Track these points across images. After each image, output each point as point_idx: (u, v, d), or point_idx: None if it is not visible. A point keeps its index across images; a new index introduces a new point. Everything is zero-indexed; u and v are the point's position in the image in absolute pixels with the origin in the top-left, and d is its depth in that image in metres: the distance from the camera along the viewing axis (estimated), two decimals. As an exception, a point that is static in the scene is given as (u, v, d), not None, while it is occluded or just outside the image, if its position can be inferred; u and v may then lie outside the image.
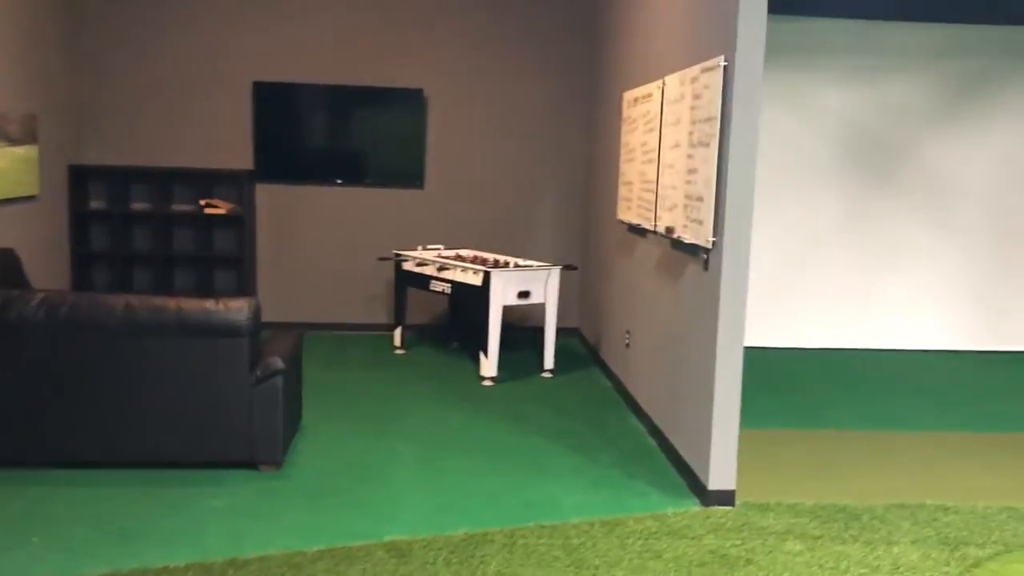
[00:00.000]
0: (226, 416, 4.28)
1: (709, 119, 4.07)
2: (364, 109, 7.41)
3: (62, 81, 6.82)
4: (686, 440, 4.46)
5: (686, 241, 4.37)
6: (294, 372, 4.70)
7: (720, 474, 4.07)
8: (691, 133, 4.36)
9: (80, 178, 7.10)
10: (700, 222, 4.16)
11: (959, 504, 4.17)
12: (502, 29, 7.48)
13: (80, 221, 7.13)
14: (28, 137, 6.20)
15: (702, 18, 4.34)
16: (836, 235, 7.52)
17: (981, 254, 7.58)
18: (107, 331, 4.15)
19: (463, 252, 7.14)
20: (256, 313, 4.28)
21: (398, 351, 7.01)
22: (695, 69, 4.32)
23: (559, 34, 7.52)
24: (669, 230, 4.67)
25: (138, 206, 7.33)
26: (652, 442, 5.03)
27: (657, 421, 5.02)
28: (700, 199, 4.17)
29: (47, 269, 6.65)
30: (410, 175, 7.54)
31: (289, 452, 4.68)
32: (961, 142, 7.45)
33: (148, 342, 4.18)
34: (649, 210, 5.13)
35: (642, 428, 5.28)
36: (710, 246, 4.04)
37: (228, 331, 4.21)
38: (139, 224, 7.39)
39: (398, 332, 6.99)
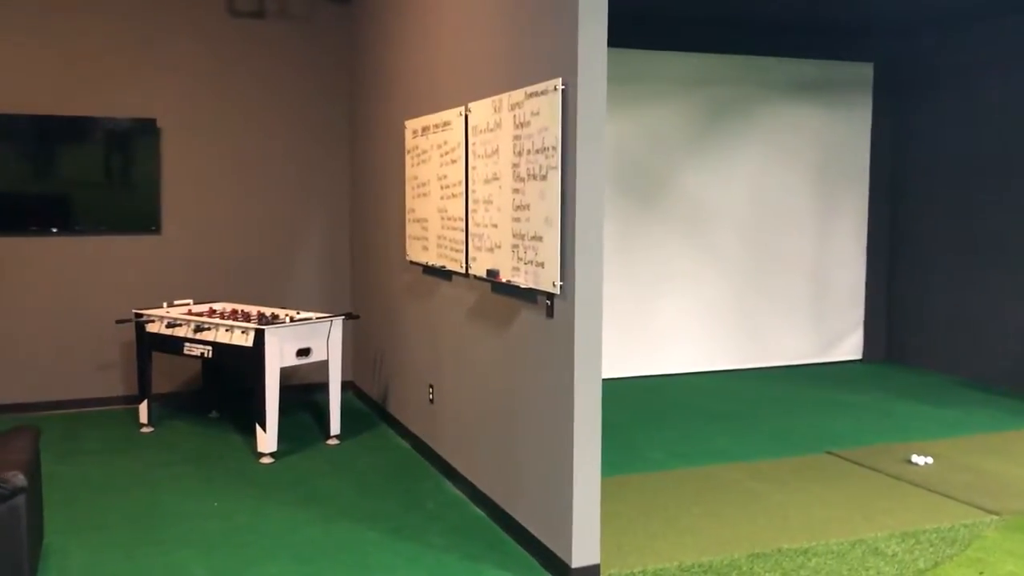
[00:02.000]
0: (-58, 559, 3.15)
1: (544, 149, 3.62)
2: (84, 143, 6.21)
3: None
4: (531, 509, 3.95)
5: (522, 286, 3.88)
6: (35, 484, 3.61)
7: (584, 549, 3.60)
8: (516, 165, 3.89)
9: None
10: (540, 264, 3.68)
11: (813, 544, 4.02)
12: (248, 50, 6.62)
13: None
14: None
15: (522, 40, 3.89)
16: (612, 264, 7.43)
17: (739, 277, 7.83)
18: None
19: (216, 306, 6.17)
20: (-19, 415, 3.20)
21: (145, 429, 5.88)
22: (517, 94, 3.86)
23: (317, 55, 6.79)
24: (492, 273, 4.15)
25: None
26: (480, 512, 4.47)
27: (483, 487, 4.47)
28: (538, 238, 3.70)
29: None
30: (144, 219, 6.43)
31: (33, 590, 3.57)
32: (715, 167, 7.67)
33: None
34: (458, 251, 4.60)
35: (463, 495, 4.70)
36: (556, 291, 3.58)
37: (-60, 443, 3.10)
38: None
39: (143, 407, 5.87)
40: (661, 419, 6.20)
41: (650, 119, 7.42)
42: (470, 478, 4.64)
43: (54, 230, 6.22)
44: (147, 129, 6.36)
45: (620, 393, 6.98)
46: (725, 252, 7.77)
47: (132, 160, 6.34)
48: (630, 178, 7.43)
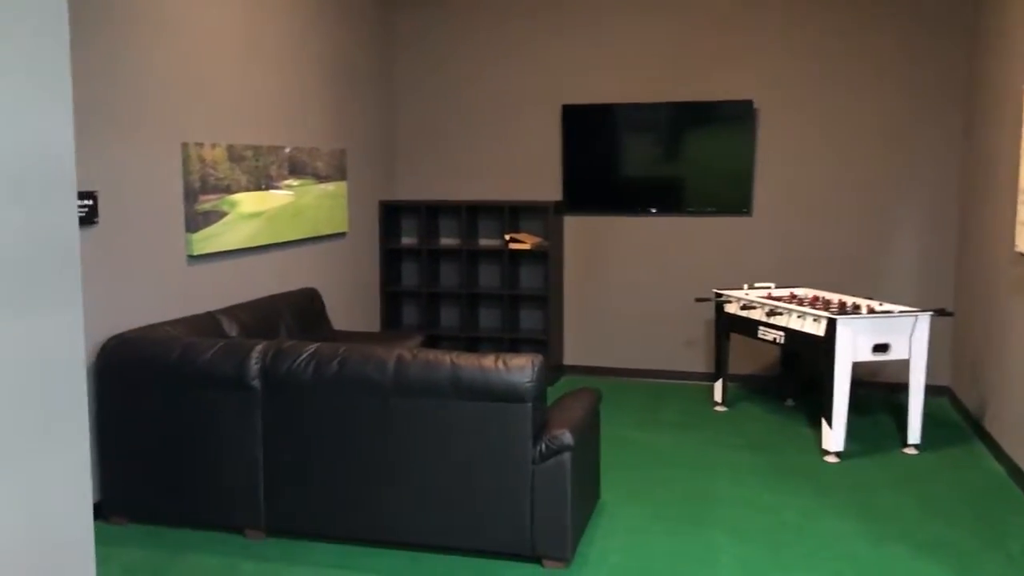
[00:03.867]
0: (502, 497, 3.57)
1: None
2: (682, 127, 6.51)
3: (370, 116, 6.67)
4: None
5: None
6: (588, 444, 3.89)
7: None
8: None
9: (389, 214, 6.92)
10: None
11: None
12: (846, 23, 6.21)
13: (390, 258, 6.94)
14: (337, 173, 6.05)
15: None
16: None
17: None
18: (376, 389, 3.62)
19: (799, 292, 5.96)
20: (541, 374, 3.53)
21: (718, 408, 5.97)
22: None
23: (925, 16, 6.09)
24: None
25: (446, 242, 7.01)
26: (1080, 570, 3.56)
27: (1087, 540, 3.55)
28: None
29: (357, 308, 6.49)
30: (736, 201, 6.49)
31: (581, 543, 3.86)
32: None
33: (418, 404, 3.59)
34: (1073, 242, 3.69)
35: (1060, 544, 3.81)
36: None
37: (507, 394, 3.50)
38: (446, 260, 7.07)
39: (718, 385, 5.96)
40: None
41: None
42: (1072, 525, 3.73)
43: (653, 210, 6.65)
44: (743, 111, 6.39)
45: None
46: None
47: (727, 143, 6.44)
48: None
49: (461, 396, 3.54)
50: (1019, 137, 4.69)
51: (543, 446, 3.53)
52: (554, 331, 6.70)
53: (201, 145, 4.63)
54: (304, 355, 3.73)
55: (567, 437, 3.52)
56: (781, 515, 4.15)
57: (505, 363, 3.52)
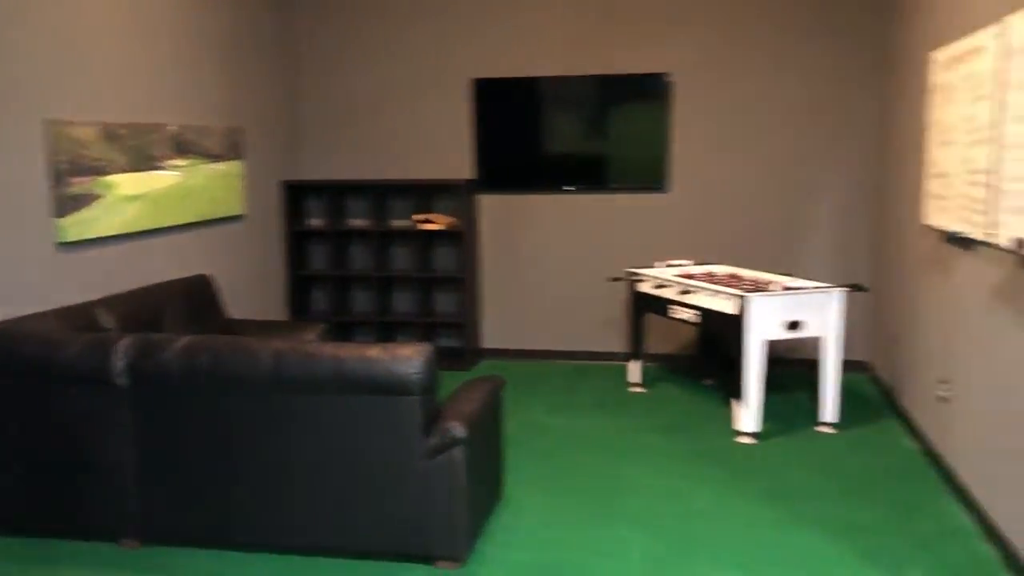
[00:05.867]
0: (391, 496, 3.33)
1: (1101, 67, 2.52)
2: (599, 102, 6.30)
3: (270, 92, 6.32)
4: (1054, 566, 2.90)
5: (1055, 262, 2.82)
6: (487, 436, 3.67)
7: None
8: (1061, 94, 2.81)
9: (294, 195, 6.59)
10: (1084, 233, 2.61)
11: None
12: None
13: (297, 241, 6.62)
14: (231, 152, 5.70)
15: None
16: None
17: None
18: (253, 385, 3.35)
19: (716, 269, 5.82)
20: (430, 364, 3.29)
21: (635, 389, 5.82)
22: (1068, -6, 2.77)
23: (838, -8, 5.97)
24: (1021, 244, 3.11)
25: (355, 223, 6.71)
26: (988, 551, 3.47)
27: (998, 519, 3.45)
28: (1083, 196, 2.62)
29: (260, 295, 6.17)
30: (653, 177, 6.32)
31: (480, 540, 3.65)
32: None
33: (298, 399, 3.33)
34: (978, 212, 3.57)
35: (969, 525, 3.71)
36: (1106, 272, 2.49)
37: (394, 387, 3.26)
38: (357, 242, 6.78)
39: (634, 366, 5.80)
40: None
41: None
42: (982, 503, 3.64)
43: (569, 188, 6.44)
44: (657, 84, 6.20)
45: None
46: None
47: (642, 118, 6.26)
48: None
49: (345, 390, 3.29)
50: (923, 111, 4.58)
51: (434, 441, 3.30)
52: (471, 314, 6.46)
53: (71, 123, 4.26)
54: (174, 349, 3.43)
55: (459, 430, 3.30)
56: (693, 502, 3.99)
57: (391, 354, 3.28)
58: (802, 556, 3.44)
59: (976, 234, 3.62)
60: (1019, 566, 3.19)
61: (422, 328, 6.60)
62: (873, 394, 5.68)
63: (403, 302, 6.77)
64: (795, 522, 3.76)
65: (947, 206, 4.06)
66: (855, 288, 4.94)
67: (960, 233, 3.84)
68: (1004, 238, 3.27)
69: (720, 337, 5.94)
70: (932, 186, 4.37)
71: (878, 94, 5.96)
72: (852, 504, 3.94)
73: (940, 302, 4.31)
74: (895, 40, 5.56)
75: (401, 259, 6.72)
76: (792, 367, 6.29)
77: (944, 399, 4.21)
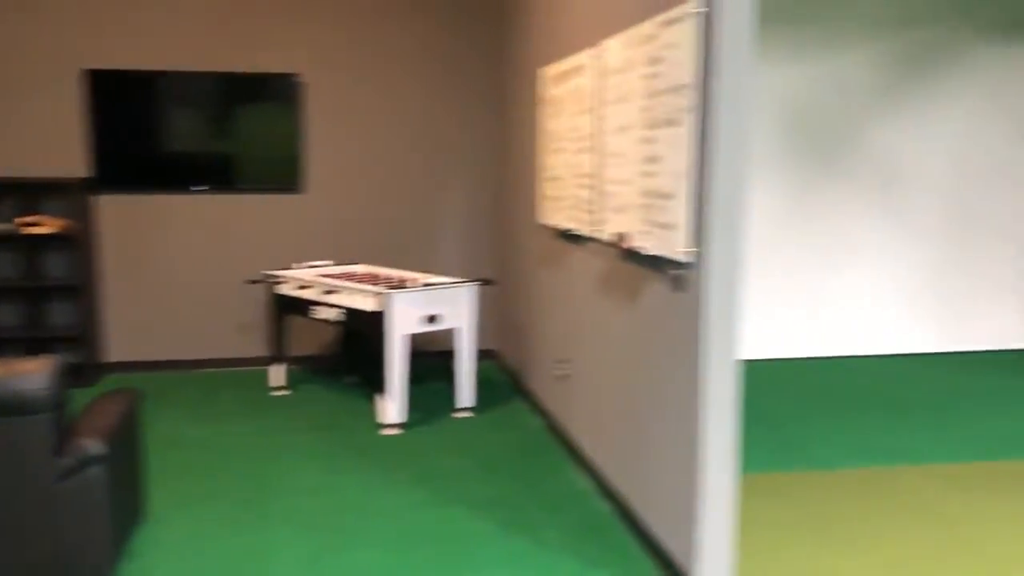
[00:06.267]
0: (23, 525, 3.01)
1: (677, 88, 3.02)
2: (229, 100, 6.12)
3: None
4: (657, 509, 3.42)
5: (648, 253, 3.32)
6: (127, 451, 3.45)
7: (710, 560, 3.04)
8: (647, 110, 3.31)
9: None
10: (668, 228, 3.11)
11: (1009, 576, 3.26)
12: (392, 3, 6.30)
13: None
14: None
15: (655, -42, 3.29)
16: (779, 232, 6.64)
17: (937, 248, 6.83)
18: None
19: (356, 268, 5.96)
20: (58, 379, 3.02)
21: (278, 392, 5.77)
22: (649, 24, 3.27)
23: (461, 4, 6.39)
24: (621, 238, 3.61)
25: (-57, 228, 5.86)
26: (605, 507, 3.97)
27: (611, 478, 3.97)
28: (667, 196, 3.13)
29: None
30: (288, 178, 6.29)
31: (123, 562, 3.42)
32: (912, 121, 6.67)
33: None
34: (586, 211, 4.07)
35: (589, 487, 4.22)
36: (684, 260, 3.00)
37: (17, 407, 2.94)
38: (-54, 250, 5.93)
39: (276, 370, 5.75)
40: (837, 409, 5.43)
41: (833, 65, 6.52)
42: (597, 467, 4.15)
43: (199, 188, 6.19)
44: (290, 85, 6.18)
45: (792, 376, 6.23)
46: (920, 219, 6.77)
47: (276, 118, 6.20)
48: (808, 133, 6.58)
49: (-47, 414, 2.91)
50: (538, 120, 5.10)
51: (67, 461, 3.03)
52: (91, 326, 5.95)
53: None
54: None
55: (95, 447, 3.07)
56: (343, 495, 4.08)
57: (10, 370, 2.96)
58: (449, 532, 3.68)
59: (585, 231, 4.12)
60: (631, 518, 3.69)
61: (32, 343, 5.95)
62: (502, 379, 6.18)
63: (8, 315, 6.04)
64: (441, 502, 4.00)
65: (560, 206, 4.56)
66: (485, 282, 5.35)
67: (572, 230, 4.34)
68: (607, 233, 3.77)
69: (362, 334, 6.08)
70: (547, 189, 4.87)
71: (498, 104, 6.48)
72: (490, 480, 4.28)
73: (557, 292, 4.82)
74: (511, 54, 6.09)
75: (4, 267, 6.00)
76: (429, 359, 6.62)
77: (563, 377, 4.73)
